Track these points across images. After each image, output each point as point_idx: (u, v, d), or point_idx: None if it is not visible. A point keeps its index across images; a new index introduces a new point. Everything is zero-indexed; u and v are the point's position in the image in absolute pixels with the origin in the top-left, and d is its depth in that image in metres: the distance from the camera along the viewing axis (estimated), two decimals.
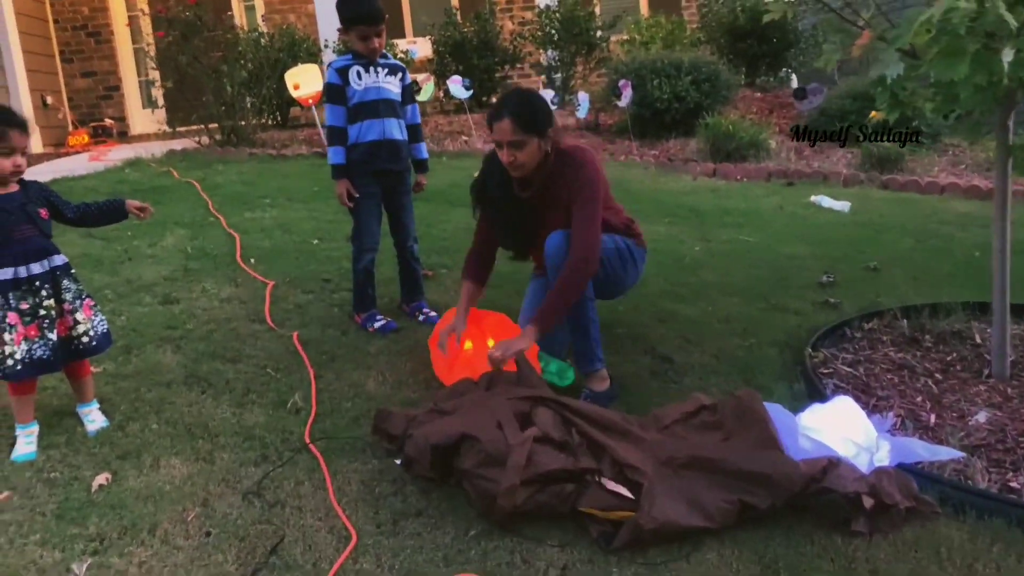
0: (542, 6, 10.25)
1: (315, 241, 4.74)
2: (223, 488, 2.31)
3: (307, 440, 2.56)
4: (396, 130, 3.45)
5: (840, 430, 2.33)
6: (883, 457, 2.30)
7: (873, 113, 7.26)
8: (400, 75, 3.49)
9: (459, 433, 2.25)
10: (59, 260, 2.57)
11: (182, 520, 2.16)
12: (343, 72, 3.37)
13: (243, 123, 8.52)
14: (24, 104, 9.46)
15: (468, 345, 2.94)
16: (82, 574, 1.97)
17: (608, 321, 3.50)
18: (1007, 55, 2.13)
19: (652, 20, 10.45)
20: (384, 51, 3.47)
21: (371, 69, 3.39)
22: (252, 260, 4.39)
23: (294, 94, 7.87)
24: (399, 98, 3.49)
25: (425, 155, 3.67)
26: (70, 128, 10.73)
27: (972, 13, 2.15)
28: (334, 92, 3.39)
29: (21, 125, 2.45)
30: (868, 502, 2.06)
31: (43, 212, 2.53)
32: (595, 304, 2.89)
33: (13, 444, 2.55)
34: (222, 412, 2.76)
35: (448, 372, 2.90)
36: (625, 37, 10.37)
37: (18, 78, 9.46)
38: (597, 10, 10.59)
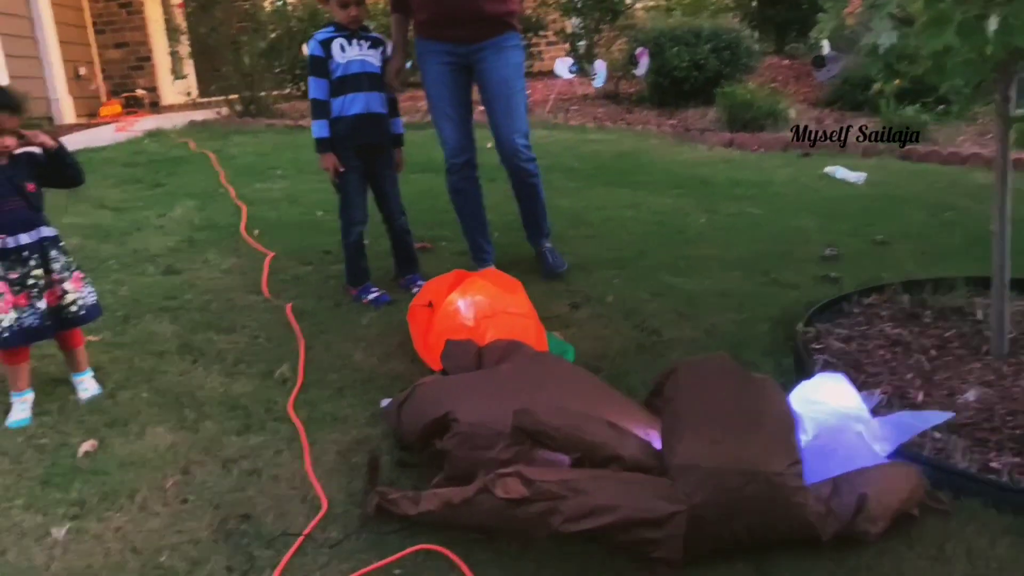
0: None
1: (319, 213, 4.76)
2: (204, 456, 2.36)
3: (290, 410, 2.60)
4: (379, 104, 3.43)
5: (832, 401, 2.25)
6: (880, 435, 2.21)
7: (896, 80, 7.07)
8: (382, 49, 3.45)
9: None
10: (48, 232, 2.61)
11: (161, 487, 2.22)
12: (326, 44, 3.33)
13: (262, 94, 8.56)
14: (57, 75, 9.55)
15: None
16: (61, 537, 2.03)
17: (600, 292, 3.51)
18: (992, 23, 2.06)
19: None
20: (365, 24, 3.44)
21: (354, 41, 3.36)
22: (256, 231, 4.43)
23: None
24: (381, 71, 3.45)
25: (401, 130, 3.62)
26: (103, 99, 10.83)
27: None
28: (317, 64, 3.35)
29: (10, 106, 2.49)
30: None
31: (30, 186, 2.58)
32: None
33: (9, 410, 2.62)
34: (211, 382, 2.81)
35: (423, 346, 2.90)
36: (652, 3, 10.19)
37: (51, 50, 9.52)
38: None
